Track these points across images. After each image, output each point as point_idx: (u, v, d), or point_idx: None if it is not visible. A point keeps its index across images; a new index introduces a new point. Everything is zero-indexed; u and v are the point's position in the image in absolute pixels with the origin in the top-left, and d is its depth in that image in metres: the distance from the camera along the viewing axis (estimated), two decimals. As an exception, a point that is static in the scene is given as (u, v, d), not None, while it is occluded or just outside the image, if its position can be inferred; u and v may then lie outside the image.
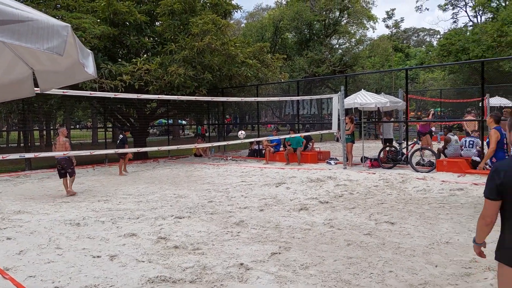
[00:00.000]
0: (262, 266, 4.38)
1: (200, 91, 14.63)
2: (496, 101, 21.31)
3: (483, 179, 9.18)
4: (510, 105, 23.31)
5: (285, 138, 14.75)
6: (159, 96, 11.83)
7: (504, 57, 22.08)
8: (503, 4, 29.59)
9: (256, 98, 13.86)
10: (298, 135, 12.86)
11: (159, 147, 8.57)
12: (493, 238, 2.59)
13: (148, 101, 18.40)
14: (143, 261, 4.64)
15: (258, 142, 15.36)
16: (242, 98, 13.67)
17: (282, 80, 18.92)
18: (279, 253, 4.80)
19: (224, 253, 4.84)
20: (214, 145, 12.23)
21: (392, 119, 13.46)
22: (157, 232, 5.81)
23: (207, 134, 21.29)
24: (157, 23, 16.28)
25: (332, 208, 7.09)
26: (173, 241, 5.34)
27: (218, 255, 4.78)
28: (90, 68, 2.31)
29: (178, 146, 9.31)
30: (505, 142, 6.60)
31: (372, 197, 7.88)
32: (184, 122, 31.95)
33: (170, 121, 26.18)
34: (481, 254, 2.66)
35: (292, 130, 13.28)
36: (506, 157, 6.42)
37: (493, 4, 30.54)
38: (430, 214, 6.48)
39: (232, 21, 26.28)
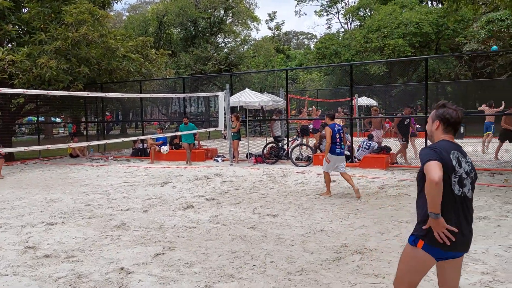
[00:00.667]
0: (144, 269, 4.22)
1: (75, 85, 13.51)
2: (363, 100, 23.83)
3: (353, 171, 10.18)
4: (375, 104, 26.27)
5: (171, 136, 14.46)
6: (25, 90, 10.59)
7: (370, 61, 24.74)
8: (369, 14, 33.12)
9: (139, 94, 13.30)
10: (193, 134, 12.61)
11: (26, 148, 7.68)
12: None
13: (13, 96, 16.37)
14: (7, 275, 4.12)
15: (143, 141, 14.79)
16: (124, 94, 13.00)
17: (168, 77, 18.51)
18: (163, 253, 4.68)
19: (103, 258, 4.55)
20: (92, 144, 11.41)
21: (281, 117, 14.05)
22: (24, 241, 5.20)
23: (84, 133, 19.78)
24: (23, 10, 14.57)
25: (218, 204, 7.16)
26: (44, 250, 4.84)
27: (95, 261, 4.47)
28: None
29: (49, 146, 8.44)
30: (337, 137, 7.67)
31: (256, 192, 8.16)
32: (58, 119, 29.21)
33: (41, 119, 23.75)
34: (446, 227, 2.46)
35: (186, 117, 12.53)
36: (337, 149, 7.66)
37: (361, 13, 34.00)
38: (307, 205, 6.95)
39: (112, 13, 24.80)
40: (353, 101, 14.00)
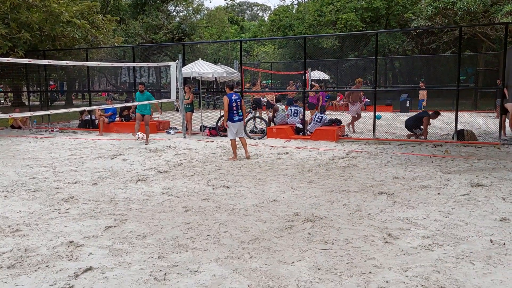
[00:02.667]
0: (95, 242, 4.13)
1: (15, 52, 12.60)
2: (316, 74, 24.14)
3: (305, 143, 10.40)
4: (327, 78, 26.73)
5: (120, 107, 13.96)
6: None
7: (323, 34, 24.97)
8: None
9: (85, 62, 12.64)
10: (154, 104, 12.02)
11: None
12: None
13: None
14: None
15: (90, 112, 14.19)
16: (68, 62, 12.31)
17: (116, 45, 17.70)
18: (114, 226, 4.59)
19: (50, 232, 4.39)
20: (35, 115, 10.79)
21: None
22: (-38, 217, 4.90)
23: (26, 103, 18.63)
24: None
25: (171, 177, 7.08)
26: (-16, 226, 4.59)
27: (42, 235, 4.31)
28: None
29: (-12, 116, 7.86)
30: (233, 105, 8.32)
31: (210, 164, 8.14)
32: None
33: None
34: None
35: (141, 83, 11.49)
36: (235, 117, 8.36)
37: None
38: (261, 176, 7.04)
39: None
40: (306, 74, 14.14)
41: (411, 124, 11.08)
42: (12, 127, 14.67)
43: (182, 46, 14.32)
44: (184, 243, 4.08)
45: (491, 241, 3.96)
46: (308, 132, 11.67)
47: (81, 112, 14.58)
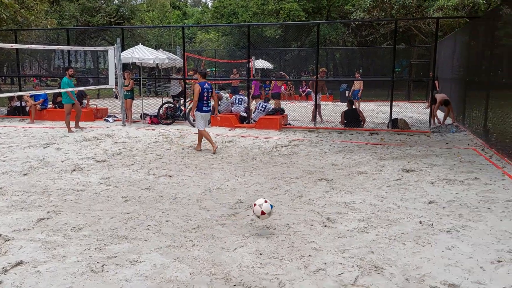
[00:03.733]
0: (26, 235, 3.89)
1: None
2: (260, 63, 24.28)
3: (249, 132, 10.45)
4: (271, 67, 26.94)
5: (55, 93, 13.18)
6: None
7: (266, 23, 25.09)
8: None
9: (13, 45, 11.73)
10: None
11: None
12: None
13: None
14: None
15: (20, 98, 13.24)
16: (-5, 44, 11.35)
17: (49, 27, 16.59)
18: (47, 218, 4.35)
19: (-25, 227, 4.07)
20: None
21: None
22: None
23: None
24: None
25: (110, 166, 6.82)
26: None
27: (-35, 230, 3.98)
28: None
29: None
30: (204, 95, 7.87)
31: (152, 153, 7.94)
32: None
33: None
34: None
35: (70, 68, 10.74)
36: (205, 107, 7.94)
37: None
38: (205, 165, 6.99)
39: None
40: (250, 63, 14.16)
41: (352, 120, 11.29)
42: None
43: (121, 30, 13.74)
44: (123, 234, 3.96)
45: (420, 222, 4.23)
46: (252, 121, 11.73)
47: (10, 98, 13.56)
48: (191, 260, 3.39)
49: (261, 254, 3.51)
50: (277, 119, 11.15)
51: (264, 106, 11.78)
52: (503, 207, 4.67)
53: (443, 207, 4.70)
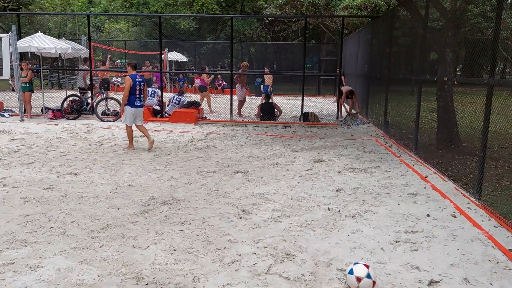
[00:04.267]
0: None
1: None
2: (174, 55, 23.73)
3: (163, 126, 10.18)
4: (185, 60, 26.49)
5: None
6: None
7: (179, 14, 24.55)
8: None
9: None
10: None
11: None
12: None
13: None
14: None
15: None
16: None
17: None
18: None
19: None
20: None
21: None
22: None
23: None
24: None
25: (6, 165, 6.18)
26: None
27: None
28: None
29: None
30: (137, 89, 7.38)
31: (55, 150, 7.36)
32: None
33: None
34: None
35: None
36: (137, 102, 7.44)
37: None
38: (115, 161, 6.65)
39: None
40: (163, 55, 13.76)
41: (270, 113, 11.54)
42: None
43: (17, 17, 12.49)
44: (22, 238, 3.61)
45: (329, 209, 4.47)
46: (166, 114, 11.44)
47: None
48: (99, 262, 3.20)
49: (175, 250, 3.43)
50: (192, 113, 11.00)
51: (178, 99, 11.55)
52: (400, 192, 5.12)
53: (349, 194, 5.02)
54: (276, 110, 11.55)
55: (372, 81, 11.49)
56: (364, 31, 13.44)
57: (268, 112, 11.46)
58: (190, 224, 4.02)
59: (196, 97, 14.96)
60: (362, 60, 13.14)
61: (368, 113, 11.88)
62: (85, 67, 12.50)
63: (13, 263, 3.16)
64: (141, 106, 7.56)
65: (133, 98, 7.40)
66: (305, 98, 11.68)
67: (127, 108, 7.42)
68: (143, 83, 7.52)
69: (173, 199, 4.77)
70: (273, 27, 26.12)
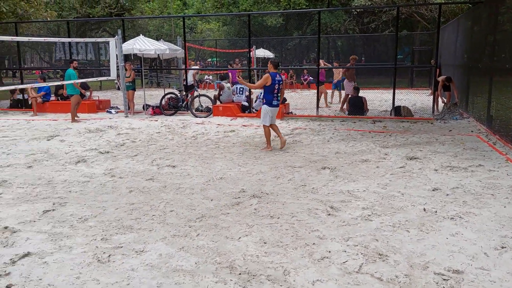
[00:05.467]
0: (32, 227, 3.92)
1: None
2: (261, 52, 24.13)
3: (251, 121, 10.44)
4: (272, 56, 26.81)
5: (56, 86, 13.19)
6: None
7: (267, 11, 24.88)
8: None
9: (14, 37, 11.70)
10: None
11: None
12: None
13: None
14: None
15: (22, 91, 13.25)
16: (-4, 37, 11.34)
17: (49, 19, 16.52)
18: (53, 210, 4.38)
19: (-19, 219, 4.11)
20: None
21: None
22: None
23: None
24: None
25: (114, 157, 6.84)
26: None
27: (-28, 223, 4.02)
28: None
29: None
30: (275, 88, 7.08)
31: (155, 144, 7.96)
32: None
33: None
34: None
35: (70, 62, 11.01)
36: (275, 101, 7.14)
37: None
38: (208, 155, 7.00)
39: None
40: (251, 52, 14.08)
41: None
42: None
43: (122, 22, 13.67)
44: (128, 224, 3.98)
45: (424, 209, 4.24)
46: (254, 110, 11.71)
47: (12, 91, 13.58)
48: (196, 250, 3.41)
49: (265, 243, 3.53)
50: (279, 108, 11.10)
51: None
52: (507, 194, 4.67)
53: (447, 194, 4.71)
54: (364, 104, 11.20)
55: (472, 71, 10.57)
56: (463, 18, 12.40)
57: (357, 106, 11.15)
58: (279, 218, 4.10)
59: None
60: (461, 50, 12.14)
61: (468, 106, 10.96)
62: (195, 66, 13.31)
63: (122, 247, 3.50)
64: (277, 105, 7.27)
65: (271, 97, 7.14)
66: (396, 91, 11.14)
67: (265, 107, 7.19)
68: (281, 82, 7.23)
69: (262, 192, 4.90)
70: (361, 18, 25.25)
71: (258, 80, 10.37)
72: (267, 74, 7.11)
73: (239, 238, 3.63)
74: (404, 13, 20.44)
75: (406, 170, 5.77)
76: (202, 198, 4.75)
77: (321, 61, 14.57)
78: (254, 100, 12.10)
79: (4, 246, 3.50)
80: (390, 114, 11.02)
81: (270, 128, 7.36)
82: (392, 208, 4.32)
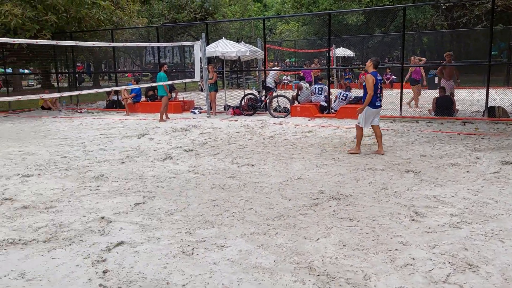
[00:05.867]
0: (125, 218, 4.26)
1: (43, 35, 12.85)
2: (341, 51, 23.67)
3: (329, 122, 10.30)
4: (353, 55, 26.17)
5: (147, 88, 14.16)
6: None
7: (348, 10, 24.33)
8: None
9: (111, 43, 12.79)
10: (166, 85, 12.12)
11: (-5, 99, 7.40)
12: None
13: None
14: (-16, 227, 4.09)
15: (117, 93, 14.43)
16: (95, 43, 12.49)
17: (140, 25, 17.79)
18: (143, 203, 4.72)
19: (83, 208, 4.56)
20: (64, 95, 11.06)
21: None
22: (0, 193, 5.13)
23: (55, 85, 19.08)
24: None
25: (197, 155, 7.17)
26: (21, 201, 4.80)
27: (75, 211, 4.48)
28: None
29: (19, 97, 8.13)
30: (379, 87, 6.82)
31: (235, 143, 8.19)
32: (26, 71, 28.04)
33: (9, 70, 22.72)
34: None
35: (162, 66, 11.91)
36: (378, 102, 6.84)
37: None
38: (285, 154, 7.05)
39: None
40: (330, 52, 13.89)
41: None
42: (43, 108, 15.11)
43: (205, 25, 14.26)
44: (210, 219, 4.16)
45: (522, 219, 3.87)
46: (332, 111, 11.54)
47: (108, 93, 14.85)
48: (274, 248, 3.47)
49: (344, 245, 3.47)
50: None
51: (345, 95, 11.51)
52: None
53: (550, 204, 4.24)
54: (453, 105, 10.47)
55: None
56: None
57: (445, 107, 10.47)
58: (358, 221, 4.00)
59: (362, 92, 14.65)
60: None
61: None
62: (275, 68, 13.52)
63: (204, 241, 3.67)
64: (380, 106, 6.95)
65: (374, 98, 6.79)
66: (490, 90, 10.25)
67: (368, 109, 6.83)
68: (381, 82, 6.96)
69: (341, 194, 4.82)
70: (451, 13, 23.59)
71: (332, 80, 10.14)
72: (369, 75, 6.78)
73: (318, 239, 3.61)
74: (500, 6, 18.72)
75: (501, 176, 5.30)
76: (280, 197, 4.81)
77: (413, 58, 13.77)
78: (333, 100, 11.92)
79: (101, 235, 3.85)
80: (483, 115, 10.18)
81: (375, 130, 6.99)
82: (484, 216, 4.00)
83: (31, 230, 3.97)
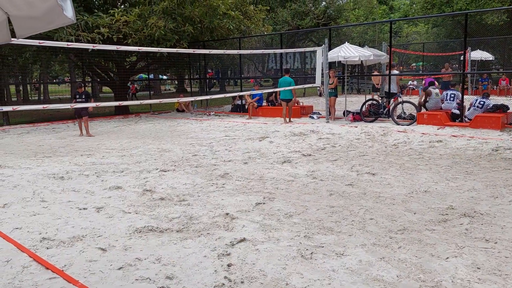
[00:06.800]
0: (247, 216, 4.49)
1: (181, 44, 14.23)
2: (477, 54, 21.45)
3: (462, 131, 9.43)
4: (491, 58, 23.54)
5: (268, 93, 14.67)
6: (139, 48, 11.43)
7: (488, 9, 21.94)
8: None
9: (238, 51, 13.57)
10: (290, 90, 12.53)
11: (142, 101, 8.43)
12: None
13: (127, 55, 17.84)
14: (130, 213, 4.69)
15: (241, 97, 15.25)
16: (225, 51, 13.39)
17: (265, 33, 18.52)
18: (264, 203, 4.90)
19: (210, 203, 4.92)
20: (196, 99, 12.08)
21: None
22: (142, 184, 5.83)
23: (188, 89, 20.95)
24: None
25: (315, 160, 7.20)
26: (159, 193, 5.38)
27: (203, 205, 4.86)
28: (69, 11, 2.18)
29: (161, 100, 9.15)
30: None
31: (354, 150, 8.01)
32: (165, 77, 31.32)
33: (151, 76, 25.64)
34: None
35: (287, 72, 12.41)
36: None
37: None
38: (410, 165, 6.65)
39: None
40: (465, 55, 12.68)
41: None
42: (177, 110, 16.74)
43: (328, 31, 14.22)
44: (329, 226, 4.14)
45: None
46: (466, 119, 10.53)
47: (233, 98, 15.78)
48: (397, 262, 3.30)
49: (478, 268, 3.15)
50: (498, 117, 9.69)
51: (482, 102, 10.40)
52: None
53: None
54: None
55: None
56: None
57: None
58: (496, 243, 3.59)
59: (502, 100, 13.05)
60: None
61: None
62: (396, 71, 12.98)
63: (323, 246, 3.66)
64: None
65: None
66: None
67: None
68: None
69: (474, 212, 4.38)
70: None
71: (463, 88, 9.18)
72: None
73: (447, 258, 3.34)
74: None
75: None
76: (403, 210, 4.56)
77: None
78: (467, 107, 10.87)
79: (226, 230, 4.12)
80: None
81: None
82: None
83: (167, 220, 4.42)
